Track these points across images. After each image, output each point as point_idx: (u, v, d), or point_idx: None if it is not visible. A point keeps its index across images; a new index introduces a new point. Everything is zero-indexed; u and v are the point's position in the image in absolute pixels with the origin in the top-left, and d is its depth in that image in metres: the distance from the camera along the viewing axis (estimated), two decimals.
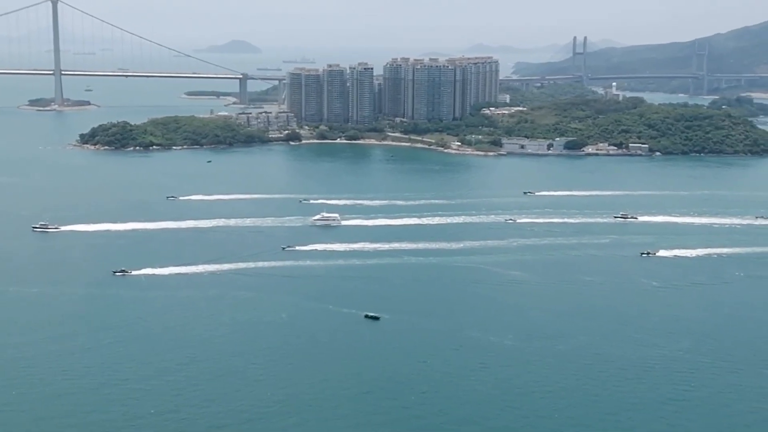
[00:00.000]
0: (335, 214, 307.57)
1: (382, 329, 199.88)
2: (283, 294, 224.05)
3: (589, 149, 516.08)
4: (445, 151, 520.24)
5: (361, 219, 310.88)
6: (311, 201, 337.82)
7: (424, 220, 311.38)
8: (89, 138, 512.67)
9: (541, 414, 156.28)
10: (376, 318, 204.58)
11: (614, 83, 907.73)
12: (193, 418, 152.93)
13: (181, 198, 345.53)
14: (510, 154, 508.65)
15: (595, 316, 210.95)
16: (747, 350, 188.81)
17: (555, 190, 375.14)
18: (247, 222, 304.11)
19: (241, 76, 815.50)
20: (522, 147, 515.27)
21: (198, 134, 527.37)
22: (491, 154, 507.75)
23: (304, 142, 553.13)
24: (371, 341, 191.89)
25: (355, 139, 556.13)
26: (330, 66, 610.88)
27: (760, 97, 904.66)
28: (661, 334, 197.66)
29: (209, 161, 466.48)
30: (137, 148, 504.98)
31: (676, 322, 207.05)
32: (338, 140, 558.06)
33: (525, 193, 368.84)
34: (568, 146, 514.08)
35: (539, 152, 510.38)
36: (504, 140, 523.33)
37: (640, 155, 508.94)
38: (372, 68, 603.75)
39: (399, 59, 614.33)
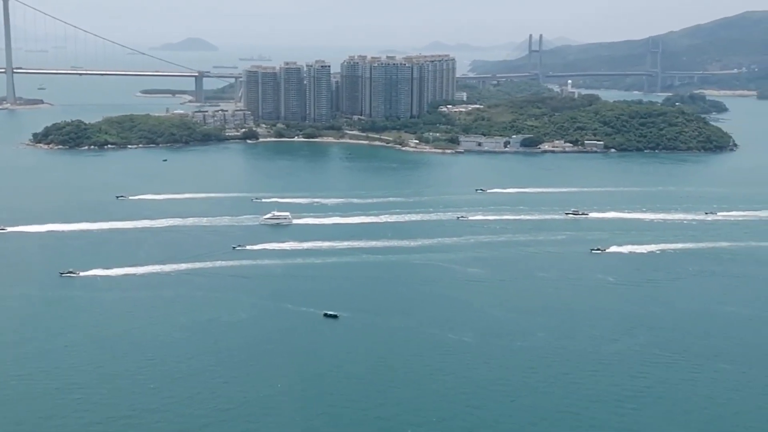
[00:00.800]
0: (286, 212, 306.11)
1: (341, 328, 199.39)
2: (241, 293, 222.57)
3: (545, 146, 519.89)
4: (403, 149, 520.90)
5: (314, 217, 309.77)
6: (264, 200, 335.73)
7: (378, 219, 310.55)
8: (42, 137, 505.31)
9: (502, 412, 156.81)
10: (334, 316, 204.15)
11: (570, 81, 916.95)
12: (152, 422, 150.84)
13: (130, 198, 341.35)
14: (467, 151, 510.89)
15: (552, 312, 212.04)
16: (702, 345, 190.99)
17: (507, 188, 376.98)
18: (198, 221, 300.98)
19: (197, 74, 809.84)
20: (479, 144, 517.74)
21: (154, 133, 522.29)
22: (449, 151, 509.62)
23: (261, 140, 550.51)
24: (331, 340, 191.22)
25: (312, 138, 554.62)
26: (287, 64, 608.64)
27: (712, 94, 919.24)
28: (617, 330, 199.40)
29: (165, 160, 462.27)
30: (92, 147, 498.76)
31: (632, 317, 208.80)
32: (295, 138, 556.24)
33: (477, 190, 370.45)
34: (525, 144, 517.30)
35: (496, 150, 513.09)
36: (461, 138, 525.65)
37: (596, 152, 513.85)
38: (329, 66, 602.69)
39: (356, 57, 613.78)
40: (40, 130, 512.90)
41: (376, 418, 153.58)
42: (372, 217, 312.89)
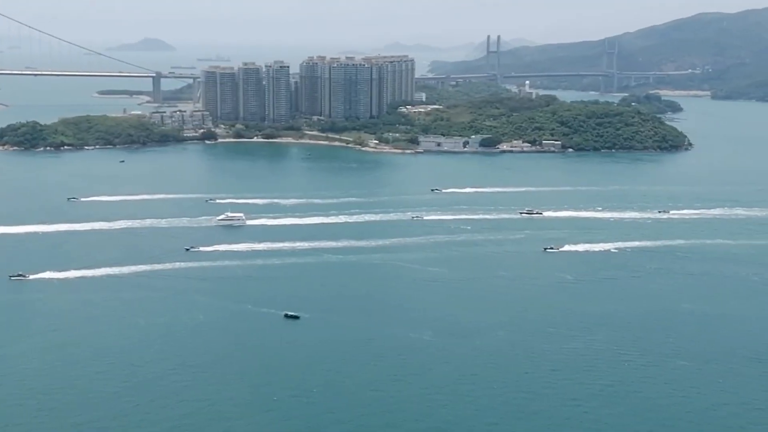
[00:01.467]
0: (240, 213, 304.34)
1: (303, 328, 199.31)
2: (199, 295, 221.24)
3: (504, 146, 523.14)
4: (363, 149, 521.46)
5: (268, 218, 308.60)
6: (218, 201, 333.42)
7: (337, 219, 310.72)
8: None
9: (462, 411, 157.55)
10: (296, 317, 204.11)
11: (527, 81, 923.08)
12: (114, 428, 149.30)
13: (82, 199, 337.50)
14: (427, 151, 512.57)
15: (511, 311, 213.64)
16: (660, 342, 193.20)
17: (463, 187, 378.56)
18: (150, 223, 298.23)
19: (154, 75, 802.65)
20: (438, 145, 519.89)
21: (111, 134, 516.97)
22: (408, 152, 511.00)
23: (220, 141, 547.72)
24: (293, 341, 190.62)
25: (271, 138, 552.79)
26: (245, 64, 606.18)
27: (667, 94, 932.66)
28: (576, 328, 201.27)
29: (122, 161, 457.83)
30: (48, 148, 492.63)
31: (590, 315, 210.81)
32: (255, 139, 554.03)
33: (433, 190, 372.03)
34: (484, 144, 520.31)
35: (455, 150, 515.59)
36: (421, 138, 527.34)
37: (553, 152, 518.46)
38: (288, 66, 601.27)
39: (315, 58, 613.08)
40: None
41: (338, 422, 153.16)
42: (331, 217, 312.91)
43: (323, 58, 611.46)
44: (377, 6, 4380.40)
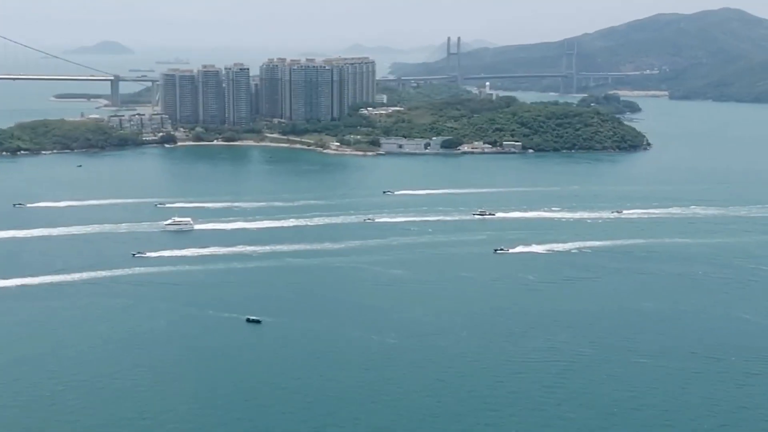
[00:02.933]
0: (188, 218, 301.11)
1: (266, 332, 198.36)
2: (160, 301, 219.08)
3: (465, 148, 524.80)
4: (324, 151, 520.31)
5: (217, 222, 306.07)
6: (167, 205, 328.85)
7: (291, 222, 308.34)
8: None
9: (427, 412, 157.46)
10: (257, 321, 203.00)
11: (488, 83, 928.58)
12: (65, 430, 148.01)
13: (29, 205, 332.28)
14: (389, 153, 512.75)
15: (471, 311, 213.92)
16: (620, 340, 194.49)
17: (418, 189, 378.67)
18: (97, 228, 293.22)
19: (112, 78, 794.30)
20: (400, 146, 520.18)
21: (68, 138, 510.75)
22: (370, 153, 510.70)
23: (179, 144, 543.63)
24: (256, 346, 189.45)
25: (232, 141, 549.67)
26: (205, 66, 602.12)
27: (626, 94, 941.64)
28: (538, 328, 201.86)
29: (79, 166, 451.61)
30: (4, 153, 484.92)
31: (551, 315, 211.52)
32: (215, 142, 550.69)
33: (384, 192, 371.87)
34: (445, 145, 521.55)
35: (417, 151, 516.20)
36: (382, 140, 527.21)
37: (514, 153, 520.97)
38: (248, 69, 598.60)
39: (275, 60, 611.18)
40: None
41: (303, 423, 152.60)
42: (288, 220, 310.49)
43: (283, 60, 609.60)
44: (337, 7, 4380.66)
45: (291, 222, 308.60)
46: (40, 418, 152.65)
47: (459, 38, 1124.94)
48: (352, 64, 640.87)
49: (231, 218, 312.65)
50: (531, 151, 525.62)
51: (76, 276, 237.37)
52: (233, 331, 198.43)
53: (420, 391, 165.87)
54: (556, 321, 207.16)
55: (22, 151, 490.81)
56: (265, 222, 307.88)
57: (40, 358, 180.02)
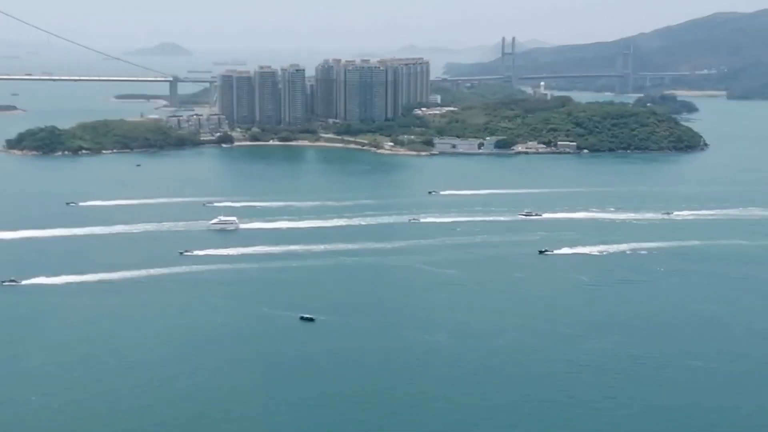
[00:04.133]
0: (233, 217, 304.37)
1: (319, 330, 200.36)
2: (212, 299, 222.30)
3: (519, 148, 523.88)
4: (378, 151, 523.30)
5: (262, 221, 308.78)
6: (215, 204, 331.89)
7: (342, 222, 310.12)
8: (16, 143, 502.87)
9: (479, 414, 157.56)
10: (311, 319, 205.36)
11: (542, 83, 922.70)
12: (127, 430, 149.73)
13: (81, 204, 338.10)
14: (442, 153, 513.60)
15: (524, 313, 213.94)
16: (674, 343, 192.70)
17: (460, 189, 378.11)
18: (147, 227, 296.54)
19: (171, 79, 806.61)
20: (453, 147, 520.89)
21: (128, 138, 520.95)
22: (423, 154, 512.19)
23: (236, 144, 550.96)
24: (309, 344, 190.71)
25: (287, 141, 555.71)
26: (261, 68, 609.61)
27: (683, 94, 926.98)
28: (590, 329, 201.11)
29: (138, 165, 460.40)
30: (66, 152, 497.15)
31: (606, 317, 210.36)
32: (271, 142, 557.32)
33: (429, 192, 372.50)
34: (498, 145, 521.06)
35: (470, 151, 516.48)
36: (436, 140, 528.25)
37: (569, 153, 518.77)
38: (304, 70, 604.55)
39: (330, 60, 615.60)
40: (13, 136, 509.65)
41: (355, 424, 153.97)
42: (340, 220, 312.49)
43: (338, 60, 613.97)
44: (392, 10, 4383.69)
45: (338, 221, 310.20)
46: (102, 417, 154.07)
47: (514, 38, 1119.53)
48: (407, 64, 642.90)
49: (278, 217, 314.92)
50: (586, 151, 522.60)
51: (124, 274, 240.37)
52: (287, 330, 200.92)
53: (472, 393, 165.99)
54: (609, 323, 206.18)
55: (84, 151, 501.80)
56: (314, 221, 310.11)
57: (100, 356, 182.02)
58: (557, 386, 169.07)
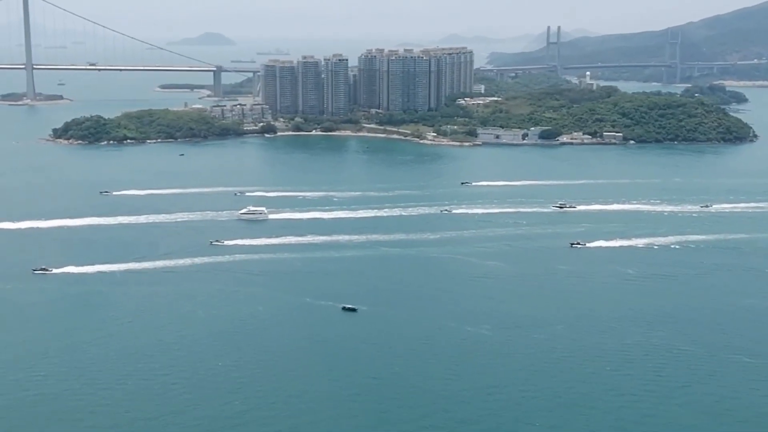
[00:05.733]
0: (262, 207, 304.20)
1: (361, 321, 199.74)
2: (258, 287, 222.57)
3: (564, 138, 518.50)
4: (421, 142, 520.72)
5: (289, 212, 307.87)
6: (247, 194, 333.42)
7: (359, 213, 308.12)
8: (62, 132, 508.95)
9: (521, 405, 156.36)
10: (353, 310, 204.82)
11: (588, 72, 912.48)
12: (177, 423, 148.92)
13: (114, 193, 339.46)
14: (485, 144, 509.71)
15: (568, 305, 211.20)
16: (722, 338, 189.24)
17: (495, 180, 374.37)
18: (178, 217, 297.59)
19: (215, 69, 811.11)
20: (497, 137, 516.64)
21: (172, 127, 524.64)
22: (466, 144, 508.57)
23: (279, 134, 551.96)
24: (351, 335, 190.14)
25: (330, 131, 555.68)
26: (305, 58, 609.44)
27: (732, 84, 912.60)
28: (636, 323, 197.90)
29: (182, 154, 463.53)
30: (111, 142, 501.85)
31: (648, 311, 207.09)
32: (313, 132, 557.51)
33: (463, 183, 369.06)
34: (543, 136, 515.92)
35: (514, 142, 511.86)
36: (479, 130, 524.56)
37: (615, 144, 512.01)
38: (347, 60, 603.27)
39: (373, 50, 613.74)
40: (59, 125, 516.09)
41: (398, 413, 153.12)
42: (361, 211, 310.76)
43: (381, 50, 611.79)
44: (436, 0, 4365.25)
45: (370, 212, 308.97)
46: (150, 411, 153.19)
47: (559, 27, 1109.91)
48: (450, 54, 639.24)
49: (308, 208, 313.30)
50: (632, 142, 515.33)
51: (153, 264, 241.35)
52: (331, 320, 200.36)
53: (514, 385, 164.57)
54: (654, 317, 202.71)
55: (128, 140, 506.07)
56: (344, 212, 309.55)
57: (147, 348, 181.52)
58: (600, 379, 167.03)
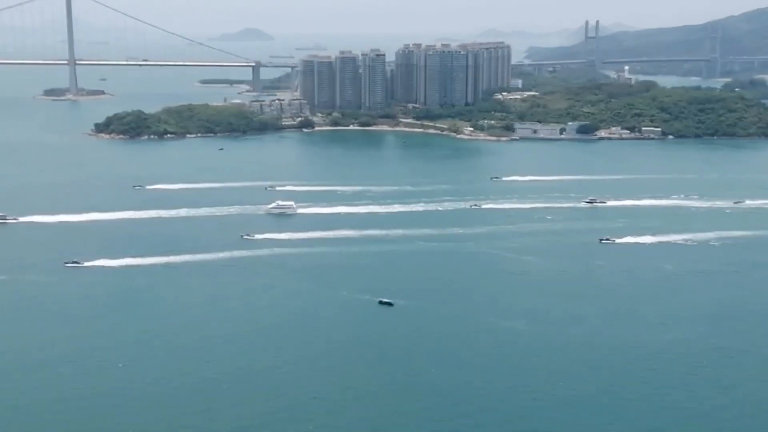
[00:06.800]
0: (290, 201, 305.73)
1: (398, 315, 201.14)
2: (292, 282, 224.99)
3: (602, 133, 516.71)
4: (458, 136, 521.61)
5: (318, 207, 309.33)
6: (277, 188, 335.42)
7: (395, 208, 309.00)
8: (104, 127, 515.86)
9: (559, 400, 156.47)
10: (390, 304, 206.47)
11: (627, 67, 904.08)
12: (219, 418, 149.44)
13: (147, 187, 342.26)
14: (522, 139, 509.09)
15: (605, 300, 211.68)
16: (758, 335, 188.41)
17: (526, 175, 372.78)
18: (208, 211, 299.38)
19: (254, 64, 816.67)
20: (534, 132, 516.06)
21: (212, 122, 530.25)
22: (503, 139, 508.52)
23: (317, 129, 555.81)
24: (389, 330, 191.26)
25: (367, 126, 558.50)
26: (342, 53, 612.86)
27: None
28: (672, 318, 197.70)
29: (221, 149, 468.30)
30: (152, 136, 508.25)
31: (687, 307, 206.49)
32: (351, 127, 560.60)
33: (492, 178, 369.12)
34: (581, 130, 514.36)
35: (552, 137, 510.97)
36: (516, 125, 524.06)
37: (653, 139, 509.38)
38: (384, 55, 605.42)
39: (411, 45, 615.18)
40: (101, 120, 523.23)
41: (434, 409, 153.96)
42: (398, 206, 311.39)
43: (419, 45, 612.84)
44: None
45: (398, 207, 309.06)
46: (199, 410, 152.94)
47: (597, 21, 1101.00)
48: (488, 48, 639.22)
49: (335, 203, 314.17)
50: (671, 137, 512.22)
51: (183, 257, 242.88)
52: (368, 314, 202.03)
53: (552, 380, 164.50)
54: (691, 313, 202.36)
55: (169, 135, 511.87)
56: (370, 207, 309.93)
57: (190, 344, 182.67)
58: (637, 376, 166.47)
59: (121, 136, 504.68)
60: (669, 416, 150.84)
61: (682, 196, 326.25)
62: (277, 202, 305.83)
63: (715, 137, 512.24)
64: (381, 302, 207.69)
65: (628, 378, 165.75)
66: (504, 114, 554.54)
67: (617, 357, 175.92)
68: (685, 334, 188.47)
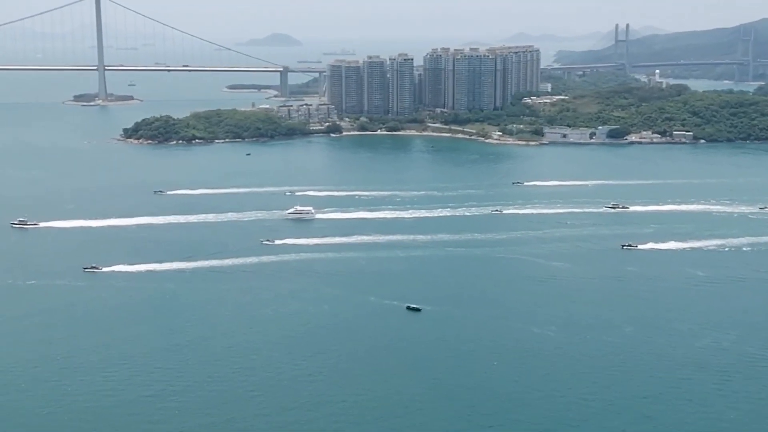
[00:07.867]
0: (309, 207, 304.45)
1: (425, 321, 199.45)
2: (317, 286, 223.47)
3: (632, 138, 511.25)
4: (486, 141, 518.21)
5: (337, 212, 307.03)
6: (297, 193, 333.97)
7: (422, 213, 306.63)
8: (133, 132, 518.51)
9: (587, 407, 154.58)
10: (417, 309, 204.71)
11: (657, 70, 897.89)
12: (249, 428, 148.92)
13: (168, 192, 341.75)
14: (552, 143, 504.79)
15: (635, 307, 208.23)
16: None
17: (547, 180, 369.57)
18: (228, 216, 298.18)
19: (281, 69, 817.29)
20: (564, 136, 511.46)
21: (240, 127, 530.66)
22: (533, 143, 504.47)
23: (344, 134, 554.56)
24: (416, 336, 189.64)
25: (395, 131, 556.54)
26: (370, 58, 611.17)
27: None
28: (705, 326, 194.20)
29: (248, 154, 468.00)
30: (180, 141, 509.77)
31: (719, 315, 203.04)
32: (379, 132, 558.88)
33: (514, 183, 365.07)
34: (611, 135, 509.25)
35: (581, 141, 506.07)
36: (546, 129, 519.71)
37: (684, 143, 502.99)
38: (412, 59, 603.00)
39: (439, 50, 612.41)
40: (130, 125, 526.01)
41: (463, 416, 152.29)
42: (418, 211, 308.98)
43: (447, 50, 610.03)
44: None
45: (418, 213, 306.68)
46: (232, 418, 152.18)
47: (627, 25, 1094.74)
48: (516, 52, 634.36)
49: (354, 208, 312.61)
50: (703, 141, 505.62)
51: (202, 263, 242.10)
52: (396, 320, 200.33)
53: (581, 387, 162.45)
54: (723, 319, 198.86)
55: (197, 140, 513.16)
56: (389, 212, 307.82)
57: (223, 353, 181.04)
58: (669, 383, 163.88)
59: (150, 141, 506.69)
60: (701, 426, 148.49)
61: (712, 201, 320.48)
62: (296, 207, 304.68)
63: (747, 141, 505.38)
64: (409, 308, 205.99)
65: (660, 385, 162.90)
66: (533, 118, 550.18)
67: (650, 365, 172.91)
68: (717, 341, 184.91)
